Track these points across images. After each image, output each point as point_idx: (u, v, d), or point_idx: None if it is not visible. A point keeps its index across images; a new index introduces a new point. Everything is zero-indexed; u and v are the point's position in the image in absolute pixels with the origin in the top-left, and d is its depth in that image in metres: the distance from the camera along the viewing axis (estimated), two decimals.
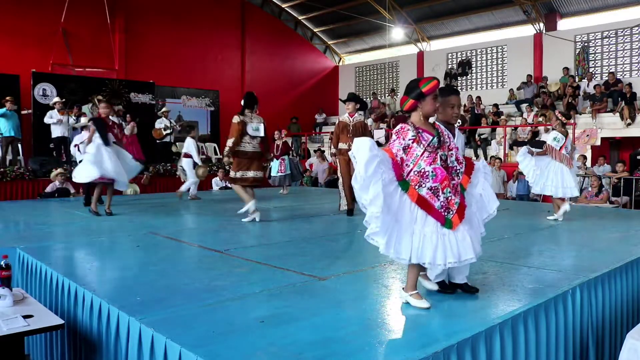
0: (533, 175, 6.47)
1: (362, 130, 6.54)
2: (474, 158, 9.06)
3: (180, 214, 7.15)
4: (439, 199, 2.66)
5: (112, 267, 3.87)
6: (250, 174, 5.98)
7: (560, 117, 6.54)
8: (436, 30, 19.18)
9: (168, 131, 12.00)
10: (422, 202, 2.64)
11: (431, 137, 2.71)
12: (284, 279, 3.32)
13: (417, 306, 2.73)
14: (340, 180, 6.86)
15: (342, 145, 6.70)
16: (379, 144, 10.33)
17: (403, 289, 2.86)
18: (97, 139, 6.34)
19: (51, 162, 10.60)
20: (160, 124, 12.10)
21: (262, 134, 6.03)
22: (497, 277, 3.38)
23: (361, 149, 2.56)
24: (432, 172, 2.66)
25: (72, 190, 9.75)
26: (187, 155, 9.06)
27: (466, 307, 2.72)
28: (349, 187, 6.53)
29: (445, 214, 2.66)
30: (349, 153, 2.78)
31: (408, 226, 2.64)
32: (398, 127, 2.74)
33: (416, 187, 2.65)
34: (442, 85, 2.83)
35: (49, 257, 4.07)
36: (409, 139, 2.68)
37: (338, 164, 6.83)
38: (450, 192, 2.70)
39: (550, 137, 6.46)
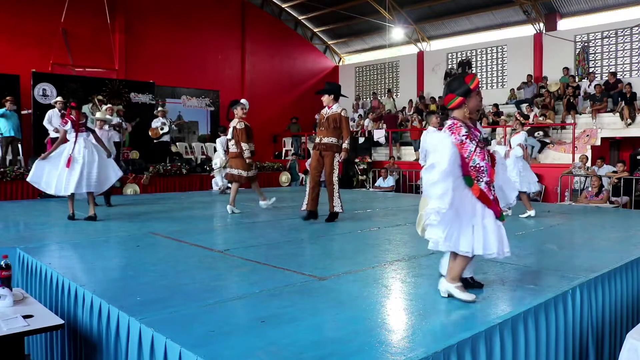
0: None
1: (336, 123, 6.08)
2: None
3: (180, 213, 7.14)
4: (491, 193, 2.76)
5: (112, 267, 3.87)
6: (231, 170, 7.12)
7: (519, 118, 6.96)
8: (436, 30, 19.18)
9: (165, 130, 12.00)
10: (483, 196, 2.72)
11: (479, 134, 2.79)
12: (284, 279, 3.32)
13: (463, 299, 2.76)
14: (308, 176, 6.41)
15: (316, 138, 6.32)
16: (378, 144, 10.39)
17: (443, 277, 2.87)
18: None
19: None
20: (156, 123, 12.10)
21: (229, 135, 6.94)
22: (497, 277, 3.38)
23: (444, 143, 2.62)
24: (485, 167, 2.75)
25: None
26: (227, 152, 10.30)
27: (466, 307, 2.72)
28: (313, 185, 6.19)
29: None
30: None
31: (469, 220, 2.69)
32: (450, 122, 2.78)
33: (476, 181, 2.73)
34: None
35: (49, 257, 4.07)
36: (463, 135, 2.73)
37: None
38: (493, 187, 2.81)
39: (522, 138, 6.90)
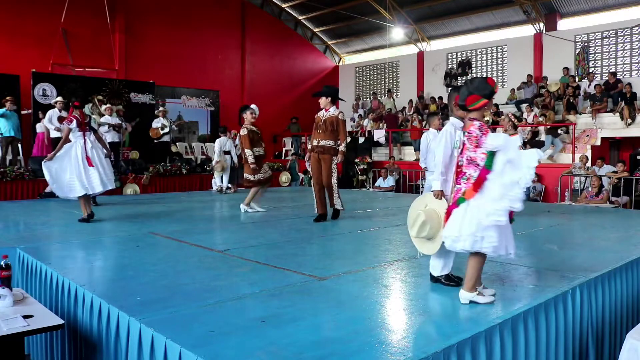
0: None
1: (334, 126, 6.11)
2: None
3: (180, 213, 7.14)
4: None
5: (112, 267, 3.87)
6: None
7: (512, 119, 6.87)
8: (436, 30, 19.18)
9: (165, 130, 12.00)
10: None
11: None
12: (284, 279, 3.32)
13: (486, 302, 2.73)
14: (313, 181, 6.40)
15: (313, 142, 6.29)
16: (378, 144, 10.45)
17: (462, 288, 2.78)
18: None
19: None
20: (157, 123, 12.10)
21: (237, 142, 7.06)
22: (497, 277, 3.38)
23: (513, 142, 2.69)
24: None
25: None
26: (227, 153, 10.58)
27: (466, 307, 2.72)
28: (319, 188, 6.25)
29: None
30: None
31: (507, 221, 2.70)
32: (477, 124, 2.69)
33: None
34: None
35: (49, 257, 4.07)
36: None
37: (309, 162, 6.36)
38: None
39: (520, 141, 6.76)
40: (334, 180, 6.20)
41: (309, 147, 6.46)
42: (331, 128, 6.11)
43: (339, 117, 6.17)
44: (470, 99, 2.74)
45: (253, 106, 7.19)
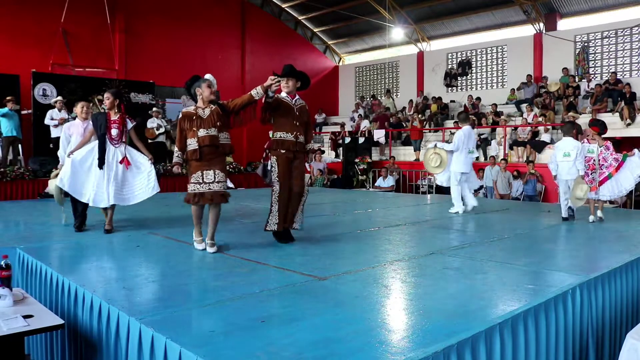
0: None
1: (308, 117, 4.80)
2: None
3: (180, 214, 7.14)
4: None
5: (112, 267, 3.87)
6: None
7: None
8: (436, 30, 19.18)
9: (161, 130, 12.00)
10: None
11: None
12: (284, 279, 3.32)
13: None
14: (277, 187, 4.60)
15: (285, 136, 4.61)
16: (377, 144, 10.82)
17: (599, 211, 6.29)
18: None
19: (51, 162, 10.60)
20: (152, 123, 12.10)
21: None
22: (497, 277, 3.38)
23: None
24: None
25: None
26: None
27: (466, 307, 2.72)
28: (287, 197, 4.64)
29: None
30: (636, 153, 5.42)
31: None
32: (609, 143, 5.98)
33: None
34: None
35: (49, 257, 4.07)
36: None
37: (275, 163, 4.61)
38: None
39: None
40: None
41: (279, 142, 4.63)
42: (306, 120, 4.79)
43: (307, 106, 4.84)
44: (605, 131, 6.34)
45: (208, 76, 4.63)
